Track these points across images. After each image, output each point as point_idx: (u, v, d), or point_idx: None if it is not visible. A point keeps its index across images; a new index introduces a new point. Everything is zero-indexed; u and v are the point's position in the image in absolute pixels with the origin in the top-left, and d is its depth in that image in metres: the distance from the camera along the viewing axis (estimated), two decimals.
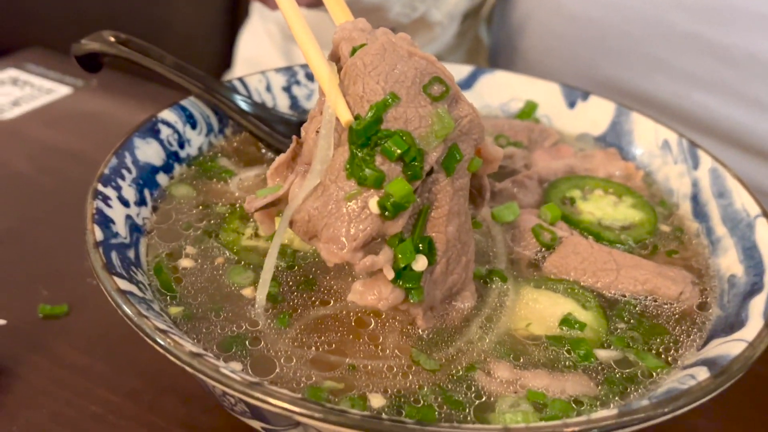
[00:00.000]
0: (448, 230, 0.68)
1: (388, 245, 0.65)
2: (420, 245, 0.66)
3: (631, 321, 0.75)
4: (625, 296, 0.78)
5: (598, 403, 0.65)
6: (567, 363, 0.70)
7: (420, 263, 0.66)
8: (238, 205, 0.87)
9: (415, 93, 0.66)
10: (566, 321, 0.74)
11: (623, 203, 0.91)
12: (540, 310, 0.75)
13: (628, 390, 0.67)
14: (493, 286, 0.77)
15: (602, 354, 0.71)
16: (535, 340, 0.72)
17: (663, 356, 0.71)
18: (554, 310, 0.75)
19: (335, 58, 0.70)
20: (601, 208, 0.90)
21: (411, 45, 0.68)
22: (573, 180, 0.94)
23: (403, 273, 0.65)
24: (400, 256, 0.64)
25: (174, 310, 0.72)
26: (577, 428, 0.55)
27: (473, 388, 0.66)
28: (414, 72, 0.66)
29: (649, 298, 0.78)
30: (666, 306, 0.78)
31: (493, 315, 0.74)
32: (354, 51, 0.67)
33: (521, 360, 0.70)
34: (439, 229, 0.68)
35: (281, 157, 0.75)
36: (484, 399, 0.66)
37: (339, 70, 0.69)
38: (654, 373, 0.69)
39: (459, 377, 0.67)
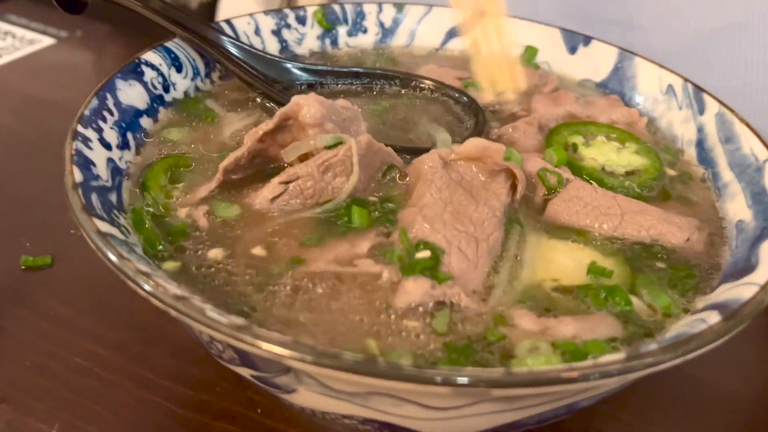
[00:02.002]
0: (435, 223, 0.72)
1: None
2: (421, 246, 0.69)
3: (643, 266, 0.73)
4: (633, 242, 0.75)
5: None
6: (592, 311, 0.67)
7: (422, 253, 0.69)
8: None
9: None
10: (593, 270, 0.71)
11: (627, 149, 0.88)
12: (560, 260, 0.72)
13: (652, 332, 0.65)
14: (512, 237, 0.75)
15: (633, 297, 0.69)
16: (559, 291, 0.69)
17: (678, 299, 0.69)
18: (575, 259, 0.72)
19: (285, 118, 0.78)
20: (604, 154, 0.87)
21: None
22: (574, 126, 0.91)
23: (414, 266, 0.67)
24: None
25: (168, 264, 0.68)
26: (582, 372, 0.52)
27: (496, 343, 0.64)
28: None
29: (655, 244, 0.75)
30: (674, 252, 0.75)
31: (515, 267, 0.71)
32: (331, 147, 0.76)
33: (546, 311, 0.67)
34: (429, 225, 0.72)
35: (266, 128, 0.76)
36: (506, 349, 0.63)
37: (285, 126, 0.78)
38: (670, 315, 0.67)
39: (481, 333, 0.64)
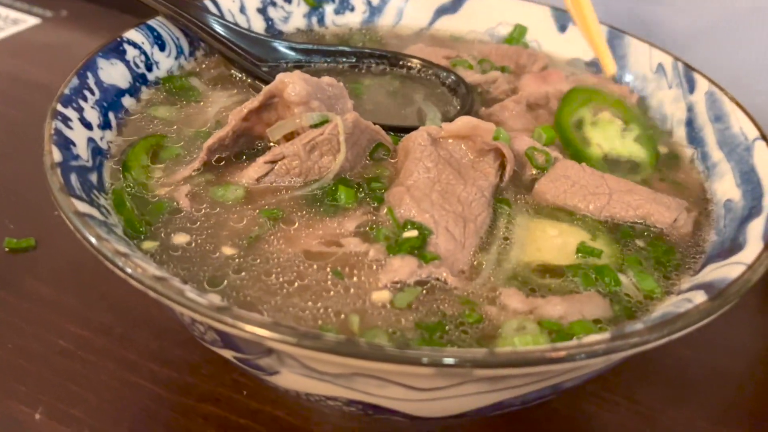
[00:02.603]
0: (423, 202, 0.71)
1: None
2: (408, 226, 0.69)
3: (631, 246, 0.72)
4: (620, 222, 0.75)
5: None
6: (580, 291, 0.67)
7: (409, 233, 0.68)
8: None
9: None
10: (583, 249, 0.70)
11: (630, 133, 0.87)
12: (549, 240, 0.72)
13: (639, 313, 0.65)
14: (501, 217, 0.74)
15: (622, 277, 0.68)
16: (548, 271, 0.69)
17: (662, 281, 0.69)
18: (564, 239, 0.72)
19: (270, 96, 0.77)
20: (608, 138, 0.86)
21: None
22: (584, 93, 0.89)
23: (401, 245, 0.67)
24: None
25: (148, 244, 0.67)
26: (566, 352, 0.51)
27: (482, 322, 0.63)
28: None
29: (642, 224, 0.75)
30: (660, 232, 0.74)
31: (503, 247, 0.71)
32: (316, 125, 0.76)
33: (534, 291, 0.66)
34: (416, 205, 0.71)
35: (251, 106, 0.75)
36: (491, 329, 0.62)
37: (270, 104, 0.78)
38: (653, 297, 0.66)
39: (469, 312, 0.63)
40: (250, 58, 0.93)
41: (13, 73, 1.34)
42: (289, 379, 0.61)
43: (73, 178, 0.65)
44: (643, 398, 0.80)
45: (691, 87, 0.91)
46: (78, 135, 0.72)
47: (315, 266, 0.66)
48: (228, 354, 0.63)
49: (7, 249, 0.92)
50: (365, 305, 0.63)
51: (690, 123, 0.89)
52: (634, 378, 0.82)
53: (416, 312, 0.63)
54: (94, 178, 0.70)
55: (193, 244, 0.67)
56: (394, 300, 0.64)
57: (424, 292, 0.65)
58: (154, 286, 0.54)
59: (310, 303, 0.63)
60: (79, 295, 0.88)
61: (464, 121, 0.76)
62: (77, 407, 0.75)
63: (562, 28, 1.04)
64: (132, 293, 0.62)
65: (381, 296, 0.64)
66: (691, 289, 0.63)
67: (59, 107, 0.73)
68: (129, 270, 0.55)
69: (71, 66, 1.35)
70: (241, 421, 0.75)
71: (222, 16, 0.97)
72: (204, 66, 0.96)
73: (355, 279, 0.65)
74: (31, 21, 1.50)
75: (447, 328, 0.62)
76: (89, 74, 0.80)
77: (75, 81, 0.77)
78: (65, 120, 0.72)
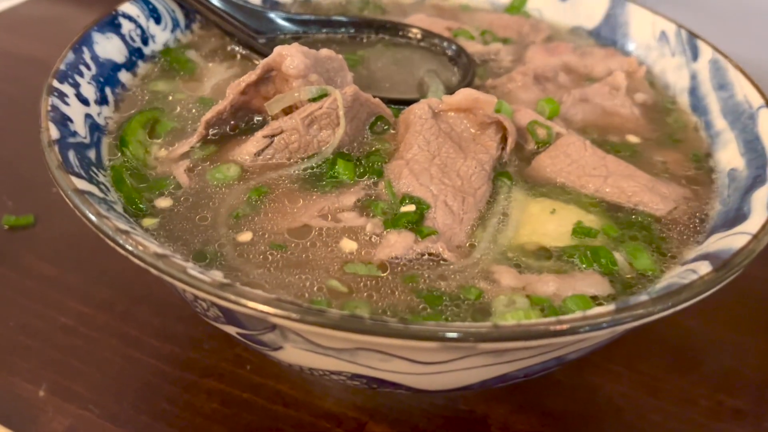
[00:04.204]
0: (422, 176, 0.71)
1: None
2: (407, 200, 0.69)
3: (627, 222, 0.71)
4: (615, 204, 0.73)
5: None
6: (575, 271, 0.65)
7: (407, 207, 0.68)
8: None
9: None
10: (579, 230, 0.69)
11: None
12: (547, 218, 0.70)
13: (641, 289, 0.64)
14: (501, 192, 0.73)
15: (618, 257, 0.67)
16: (543, 249, 0.68)
17: (662, 256, 0.68)
18: (562, 217, 0.70)
19: (268, 69, 0.76)
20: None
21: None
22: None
23: (398, 220, 0.67)
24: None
25: (148, 221, 0.66)
26: (570, 324, 0.51)
27: (479, 298, 0.62)
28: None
29: (637, 210, 0.73)
30: (654, 219, 0.72)
31: (501, 223, 0.70)
32: (315, 99, 0.74)
33: (528, 268, 0.65)
34: (415, 179, 0.71)
35: (248, 79, 0.74)
36: (484, 304, 0.62)
37: (268, 77, 0.77)
38: (650, 275, 0.65)
39: (463, 288, 0.63)
40: (246, 30, 0.92)
41: (7, 48, 1.33)
42: (292, 354, 0.61)
43: (71, 155, 0.65)
44: (646, 368, 0.80)
45: (695, 54, 0.89)
46: (75, 111, 0.71)
47: (312, 240, 0.66)
48: (231, 330, 0.63)
49: (6, 226, 0.92)
50: (357, 277, 0.63)
51: (693, 91, 0.88)
52: (636, 349, 0.82)
53: (411, 284, 0.63)
54: (92, 154, 0.69)
55: (193, 220, 0.67)
56: (345, 267, 0.63)
57: (418, 265, 0.64)
58: (155, 264, 0.53)
59: (307, 276, 0.62)
60: (80, 272, 0.87)
61: (465, 94, 0.75)
62: (80, 383, 0.75)
63: None
64: (132, 270, 0.62)
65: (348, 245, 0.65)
66: (695, 259, 0.63)
67: (55, 83, 0.72)
68: (130, 248, 0.54)
69: (66, 40, 1.33)
70: (244, 395, 0.75)
71: None
72: (200, 38, 0.94)
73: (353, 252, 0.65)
74: None
75: (443, 301, 0.61)
76: (85, 49, 0.79)
77: (71, 56, 0.76)
78: (62, 96, 0.71)
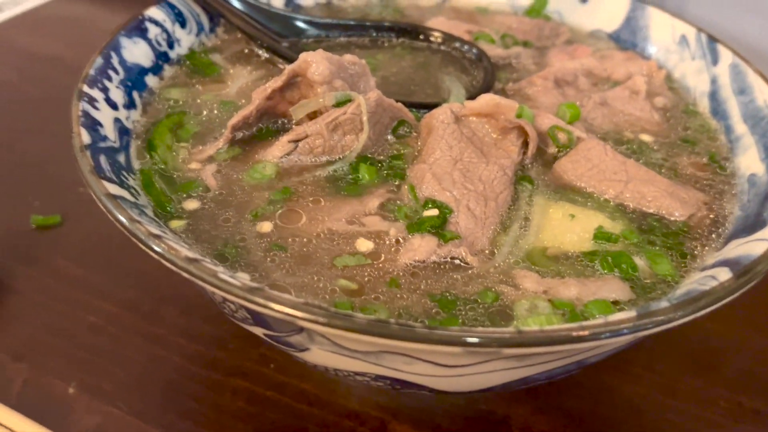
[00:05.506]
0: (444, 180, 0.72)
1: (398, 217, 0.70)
2: (429, 205, 0.70)
3: (647, 227, 0.72)
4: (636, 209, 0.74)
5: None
6: (596, 276, 0.66)
7: (429, 212, 0.69)
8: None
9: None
10: (600, 235, 0.70)
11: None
12: (567, 223, 0.71)
13: (661, 294, 0.64)
14: (522, 196, 0.74)
15: (638, 262, 0.67)
16: (565, 254, 0.68)
17: (683, 261, 0.68)
18: (582, 222, 0.71)
19: (293, 75, 0.77)
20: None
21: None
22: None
23: (422, 224, 0.68)
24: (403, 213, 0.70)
25: (176, 223, 0.68)
26: (592, 331, 0.52)
27: (497, 301, 0.63)
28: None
29: (657, 215, 0.73)
30: (673, 224, 0.73)
31: (523, 227, 0.71)
32: (340, 104, 0.76)
33: (550, 272, 0.66)
34: (437, 183, 0.72)
35: (274, 85, 0.75)
36: (506, 309, 0.63)
37: (293, 83, 0.78)
38: (670, 281, 0.66)
39: (483, 291, 0.64)
40: (269, 34, 0.93)
41: (30, 48, 1.35)
42: (318, 356, 0.62)
43: (102, 159, 0.66)
44: (665, 369, 0.81)
45: (715, 59, 0.90)
46: (104, 116, 0.73)
47: (339, 244, 0.67)
48: (258, 331, 0.64)
49: (33, 226, 0.94)
50: (382, 282, 0.64)
51: (713, 95, 0.89)
52: (655, 350, 0.82)
53: (432, 289, 0.64)
54: (122, 158, 0.71)
55: (219, 221, 0.68)
56: (335, 260, 0.65)
57: (440, 268, 0.65)
58: (187, 268, 0.55)
59: (334, 280, 0.63)
60: (106, 271, 0.89)
61: (486, 99, 0.76)
62: (109, 382, 0.77)
63: None
64: (158, 269, 0.63)
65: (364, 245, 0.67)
66: (715, 265, 0.64)
67: (85, 88, 0.73)
68: (162, 252, 0.56)
69: (89, 40, 1.35)
70: (269, 394, 0.77)
71: None
72: (224, 42, 0.96)
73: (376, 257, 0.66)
74: None
75: (462, 305, 0.62)
76: (113, 54, 0.80)
77: (99, 61, 0.78)
78: (91, 101, 0.72)
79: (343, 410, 0.76)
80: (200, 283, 0.54)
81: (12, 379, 0.77)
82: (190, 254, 0.56)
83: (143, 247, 0.57)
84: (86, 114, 0.70)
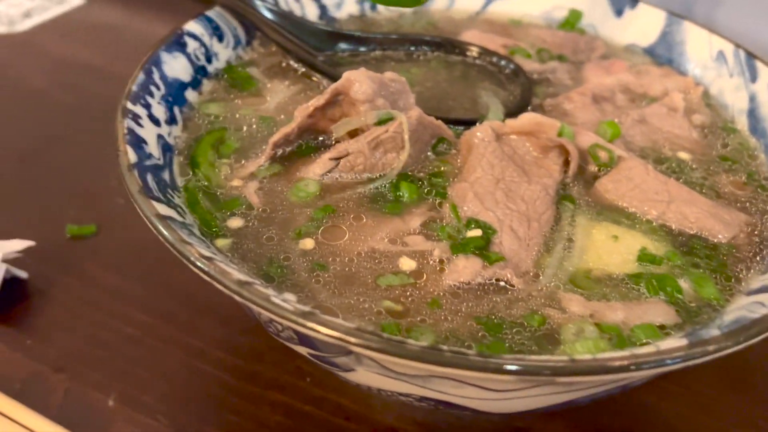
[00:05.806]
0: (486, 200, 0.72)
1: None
2: (472, 225, 0.70)
3: (690, 249, 0.71)
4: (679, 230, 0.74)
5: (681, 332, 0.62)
6: (641, 298, 0.66)
7: (473, 232, 0.69)
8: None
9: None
10: (644, 257, 0.69)
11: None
12: (611, 244, 0.71)
13: (707, 318, 0.64)
14: (565, 216, 0.74)
15: (683, 285, 0.67)
16: (609, 276, 0.68)
17: (727, 284, 0.68)
18: (626, 242, 0.71)
19: (336, 93, 0.77)
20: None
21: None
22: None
23: (466, 245, 0.68)
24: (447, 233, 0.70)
25: (221, 242, 0.68)
26: (645, 359, 0.52)
27: (544, 325, 0.63)
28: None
29: (700, 237, 0.73)
30: (716, 246, 0.72)
31: (566, 248, 0.70)
32: (381, 122, 0.76)
33: (595, 295, 0.66)
34: (480, 203, 0.72)
35: (317, 103, 0.76)
36: (553, 333, 0.62)
37: (336, 101, 0.78)
38: (715, 304, 0.66)
39: (529, 314, 0.64)
40: (305, 48, 0.94)
41: (62, 54, 1.35)
42: (363, 377, 0.62)
43: (149, 178, 0.67)
44: (702, 388, 0.81)
45: (753, 75, 0.89)
46: (148, 132, 0.73)
47: (382, 264, 0.67)
48: (303, 350, 0.65)
49: (69, 235, 0.95)
50: (424, 302, 0.64)
51: (752, 113, 0.88)
52: (693, 369, 0.82)
53: (474, 311, 0.64)
54: (166, 176, 0.71)
55: (262, 240, 0.69)
56: (378, 280, 0.65)
57: (482, 290, 0.65)
58: (240, 291, 0.55)
59: (379, 301, 0.64)
60: (143, 282, 0.90)
61: (529, 118, 0.76)
62: (149, 394, 0.78)
63: (619, 12, 1.03)
64: (194, 281, 0.64)
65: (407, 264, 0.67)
66: (761, 290, 0.64)
67: (129, 105, 0.73)
68: (214, 274, 0.56)
69: (117, 47, 1.35)
70: (306, 408, 0.77)
71: (276, 3, 0.97)
72: (260, 55, 0.96)
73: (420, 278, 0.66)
74: (75, 0, 1.51)
75: (508, 329, 0.62)
76: (154, 69, 0.80)
77: (141, 76, 0.78)
78: (135, 118, 0.73)
79: (381, 426, 0.76)
80: (253, 306, 0.55)
81: (54, 390, 0.77)
82: (242, 277, 0.56)
83: (194, 269, 0.58)
84: (131, 131, 0.71)
